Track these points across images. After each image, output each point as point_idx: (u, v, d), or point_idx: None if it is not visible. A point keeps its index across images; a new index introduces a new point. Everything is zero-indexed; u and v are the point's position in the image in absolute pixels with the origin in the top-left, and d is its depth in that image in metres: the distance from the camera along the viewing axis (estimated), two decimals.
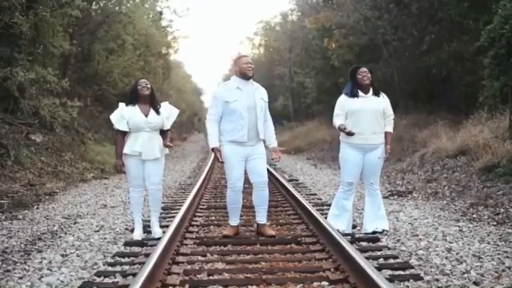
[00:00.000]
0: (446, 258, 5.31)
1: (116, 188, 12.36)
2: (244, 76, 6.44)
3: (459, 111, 16.59)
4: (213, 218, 8.01)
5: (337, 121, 6.63)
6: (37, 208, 9.47)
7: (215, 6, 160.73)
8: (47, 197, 10.83)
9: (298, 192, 9.77)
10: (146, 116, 6.48)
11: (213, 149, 6.41)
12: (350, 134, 6.45)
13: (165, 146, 6.58)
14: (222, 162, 6.41)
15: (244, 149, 6.41)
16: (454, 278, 4.65)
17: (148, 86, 6.55)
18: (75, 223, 7.86)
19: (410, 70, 20.83)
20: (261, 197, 6.58)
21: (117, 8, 25.22)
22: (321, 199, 9.89)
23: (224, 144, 6.46)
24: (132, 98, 6.58)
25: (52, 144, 15.88)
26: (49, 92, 17.02)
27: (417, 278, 4.66)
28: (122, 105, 6.64)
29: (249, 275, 4.77)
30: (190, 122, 78.17)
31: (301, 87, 38.07)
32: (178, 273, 4.80)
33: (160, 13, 35.89)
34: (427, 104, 20.05)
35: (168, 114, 6.69)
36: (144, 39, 29.21)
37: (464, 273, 4.80)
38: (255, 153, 6.47)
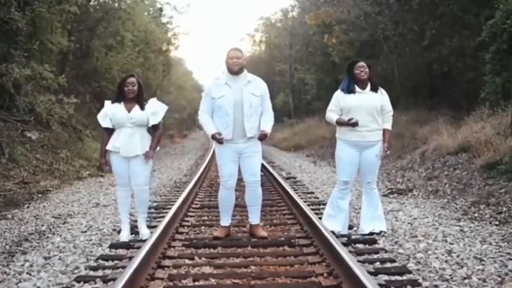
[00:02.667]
0: (446, 261, 5.07)
1: (111, 186, 12.11)
2: (231, 72, 6.16)
3: (460, 108, 16.34)
4: (205, 218, 7.76)
5: (333, 115, 6.36)
6: (28, 207, 9.25)
7: (216, 3, 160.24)
8: (39, 195, 10.62)
9: (295, 190, 9.54)
10: (129, 111, 6.22)
11: (213, 136, 6.13)
12: (355, 124, 6.16)
13: (145, 155, 6.25)
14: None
15: (235, 146, 6.14)
16: (455, 284, 4.40)
17: (135, 88, 6.23)
18: (64, 223, 7.63)
19: (411, 66, 20.61)
20: (254, 197, 6.33)
21: (116, 5, 24.96)
22: (318, 198, 9.64)
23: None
24: (118, 96, 6.33)
25: (48, 141, 15.65)
26: (46, 89, 16.81)
27: (415, 284, 4.39)
28: (107, 103, 6.40)
29: (237, 281, 4.53)
30: (191, 119, 77.90)
31: (301, 84, 37.86)
32: (162, 279, 4.55)
33: (161, 9, 35.79)
34: (427, 100, 19.79)
35: (154, 110, 6.32)
36: (144, 35, 29.13)
37: (465, 278, 4.54)
38: (247, 150, 6.17)
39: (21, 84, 15.54)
